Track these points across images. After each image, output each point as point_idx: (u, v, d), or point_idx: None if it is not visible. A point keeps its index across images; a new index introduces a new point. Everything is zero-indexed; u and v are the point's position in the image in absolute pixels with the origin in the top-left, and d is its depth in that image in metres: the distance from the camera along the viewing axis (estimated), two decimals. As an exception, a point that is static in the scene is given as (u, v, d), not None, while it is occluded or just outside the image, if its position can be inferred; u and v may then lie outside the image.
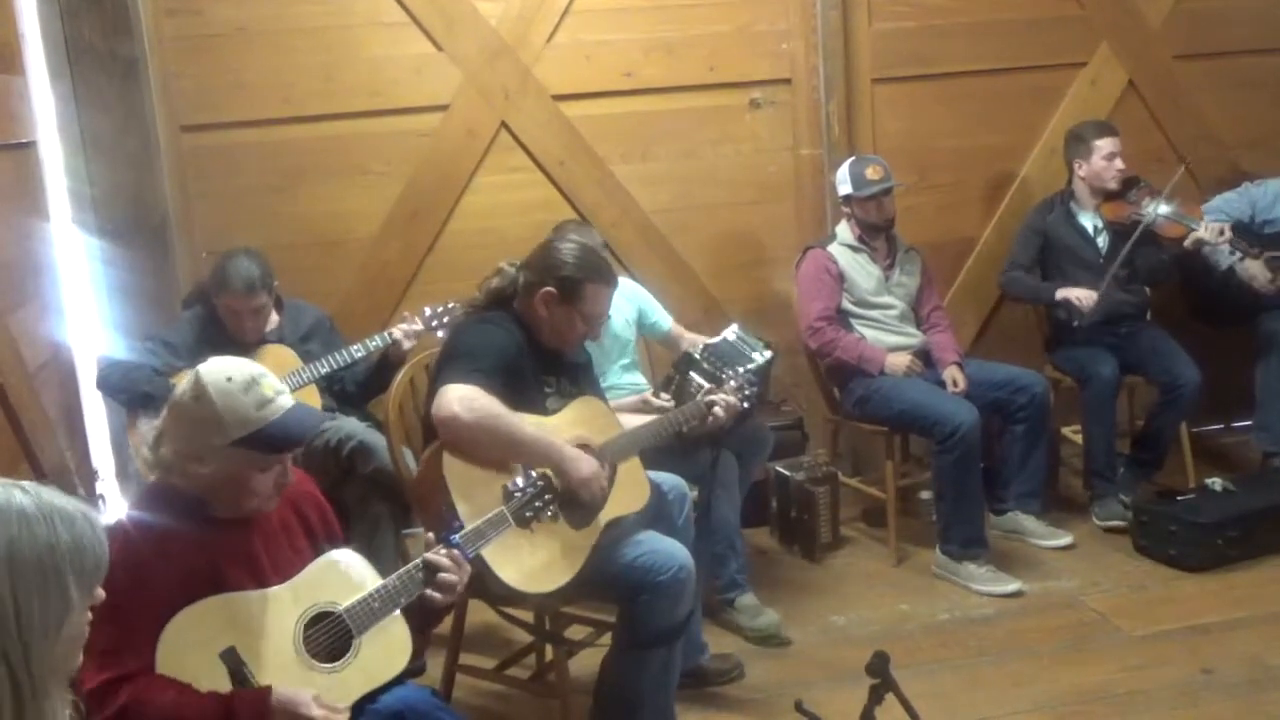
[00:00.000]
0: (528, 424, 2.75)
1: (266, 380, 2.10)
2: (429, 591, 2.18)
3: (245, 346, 3.49)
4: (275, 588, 2.09)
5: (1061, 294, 4.30)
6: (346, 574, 2.19)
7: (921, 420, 3.94)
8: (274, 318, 3.74)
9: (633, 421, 3.08)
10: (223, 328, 3.61)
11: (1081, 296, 4.24)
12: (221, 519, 2.11)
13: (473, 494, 2.62)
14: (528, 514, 2.50)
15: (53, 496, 1.27)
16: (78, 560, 1.25)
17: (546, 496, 2.53)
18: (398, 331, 3.69)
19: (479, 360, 2.76)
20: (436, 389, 2.75)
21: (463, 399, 2.66)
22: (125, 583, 1.84)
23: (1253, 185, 4.70)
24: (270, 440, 2.05)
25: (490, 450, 2.69)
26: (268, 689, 1.95)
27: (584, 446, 2.83)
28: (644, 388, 3.83)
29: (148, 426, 2.15)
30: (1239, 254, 4.42)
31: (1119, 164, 4.39)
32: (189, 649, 1.96)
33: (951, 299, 4.76)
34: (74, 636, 1.27)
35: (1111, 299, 4.30)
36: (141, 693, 1.88)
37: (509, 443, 2.70)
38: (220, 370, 2.08)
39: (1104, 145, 4.39)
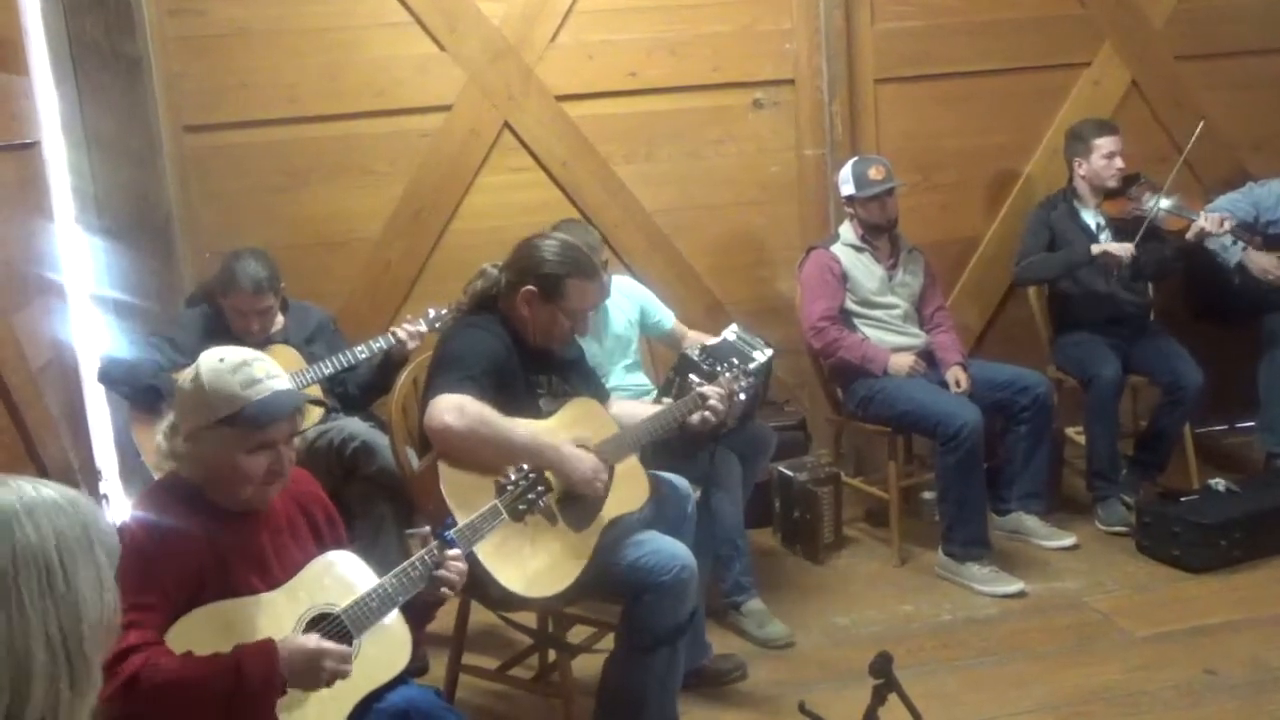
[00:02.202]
0: (521, 428, 2.74)
1: (259, 364, 2.12)
2: (427, 590, 2.18)
3: (251, 345, 3.48)
4: (272, 592, 2.09)
5: (1098, 248, 4.27)
6: (343, 575, 2.19)
7: (924, 420, 3.94)
8: (279, 318, 3.75)
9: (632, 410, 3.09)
10: (228, 326, 3.61)
11: (1118, 249, 4.23)
12: (228, 514, 2.11)
13: (471, 502, 2.59)
14: (521, 507, 2.47)
15: (64, 488, 1.31)
16: (104, 539, 1.29)
17: (539, 489, 2.51)
18: (401, 332, 3.69)
19: (468, 367, 2.75)
20: (428, 399, 2.74)
21: (454, 408, 2.65)
22: (134, 571, 1.87)
23: (1256, 185, 4.69)
24: (251, 418, 2.05)
25: (485, 457, 2.67)
26: (270, 640, 1.97)
27: (581, 447, 2.82)
28: (647, 388, 3.82)
29: (166, 419, 2.17)
30: (1242, 244, 4.43)
31: (1119, 162, 4.38)
32: None
33: (955, 299, 4.76)
34: (112, 620, 1.30)
35: (1118, 296, 4.30)
36: (150, 659, 1.89)
37: (503, 448, 2.68)
38: (215, 353, 2.13)
39: (1103, 144, 4.39)
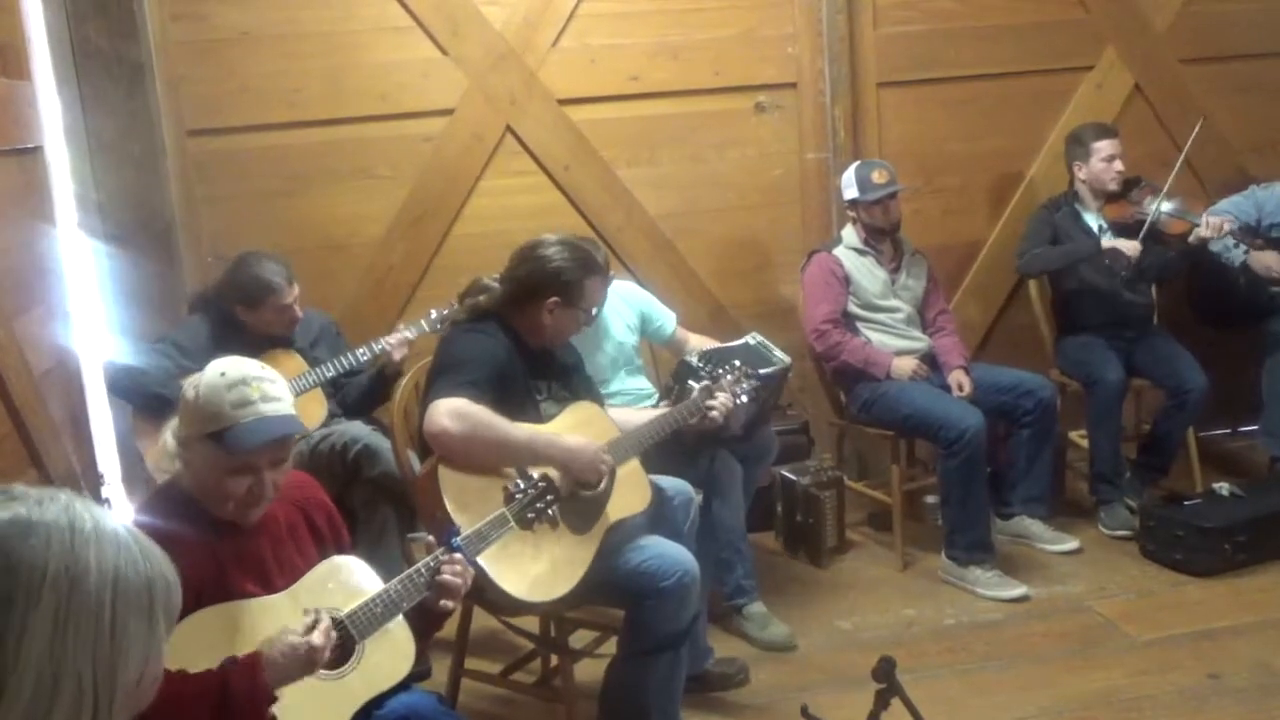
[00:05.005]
0: (520, 428, 2.74)
1: (260, 384, 2.05)
2: (431, 596, 2.18)
3: (256, 349, 3.46)
4: (276, 595, 2.08)
5: (1108, 243, 4.28)
6: (348, 579, 2.18)
7: (927, 424, 3.93)
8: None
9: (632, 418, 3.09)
10: (235, 330, 3.57)
11: (1127, 247, 4.24)
12: (227, 522, 2.10)
13: (471, 505, 2.60)
14: (529, 515, 2.47)
15: (139, 533, 1.23)
16: (165, 596, 1.20)
17: (548, 497, 2.52)
18: (390, 343, 3.65)
19: (468, 371, 2.76)
20: (427, 404, 2.73)
21: (452, 412, 2.65)
22: None
23: (1259, 188, 4.68)
24: (231, 440, 2.01)
25: (485, 459, 2.68)
26: (257, 653, 1.94)
27: None
28: (649, 392, 3.82)
29: (174, 423, 2.14)
30: (1244, 247, 4.42)
31: (1118, 165, 4.38)
32: (189, 658, 1.94)
33: (958, 302, 4.76)
34: (150, 685, 1.20)
35: (1121, 298, 4.30)
36: None
37: (503, 449, 2.69)
38: (221, 364, 2.08)
39: (1102, 147, 4.39)
